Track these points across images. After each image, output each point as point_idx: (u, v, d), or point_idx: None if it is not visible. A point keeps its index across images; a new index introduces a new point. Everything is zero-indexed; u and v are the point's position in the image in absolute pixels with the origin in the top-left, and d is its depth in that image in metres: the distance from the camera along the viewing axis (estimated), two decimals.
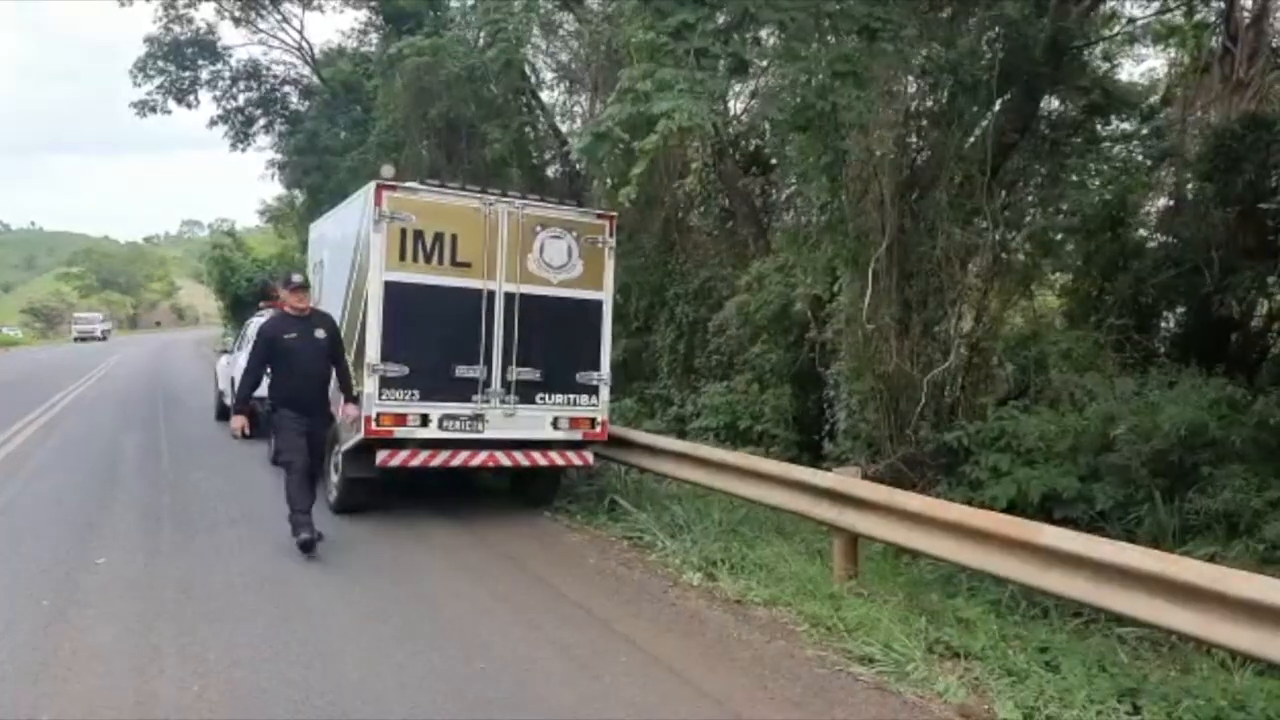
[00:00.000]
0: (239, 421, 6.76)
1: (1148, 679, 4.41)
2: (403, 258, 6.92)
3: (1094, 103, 10.72)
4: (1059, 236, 10.25)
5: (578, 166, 17.06)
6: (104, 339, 62.83)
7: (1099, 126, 11.49)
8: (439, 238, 7.05)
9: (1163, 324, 10.06)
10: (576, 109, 19.07)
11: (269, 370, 6.54)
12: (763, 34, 8.03)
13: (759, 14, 6.96)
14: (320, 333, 6.51)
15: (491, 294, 7.24)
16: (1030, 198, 10.99)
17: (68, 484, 8.65)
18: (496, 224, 7.28)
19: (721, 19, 7.18)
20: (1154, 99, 13.58)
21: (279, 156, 24.24)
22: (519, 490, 8.46)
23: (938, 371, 8.88)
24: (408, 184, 7.12)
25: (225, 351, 15.42)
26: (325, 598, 5.33)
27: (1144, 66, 14.32)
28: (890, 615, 5.06)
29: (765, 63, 8.29)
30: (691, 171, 10.90)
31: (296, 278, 6.64)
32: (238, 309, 46.89)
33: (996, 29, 8.65)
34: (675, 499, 7.95)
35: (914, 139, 9.03)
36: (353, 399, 6.73)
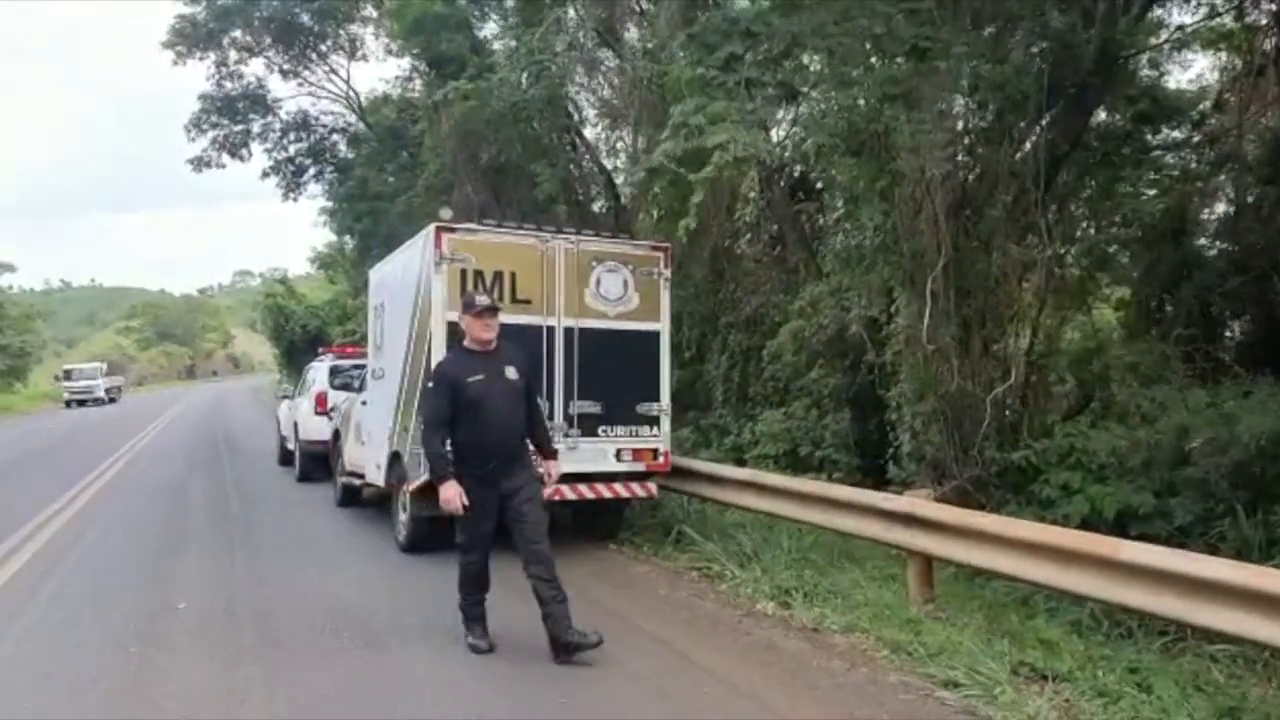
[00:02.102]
0: (452, 491, 4.79)
1: (1246, 697, 4.27)
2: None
3: (1142, 111, 10.60)
4: (1113, 249, 10.09)
5: (623, 201, 17.26)
6: (112, 400, 47.30)
7: (1149, 135, 11.34)
8: (498, 276, 7.17)
9: (1227, 333, 9.83)
10: (619, 144, 19.32)
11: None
12: (805, 59, 8.05)
13: (806, 41, 7.01)
14: (512, 372, 4.99)
15: (551, 329, 7.33)
16: (1083, 211, 10.87)
17: (141, 532, 8.89)
18: (554, 260, 7.38)
19: (766, 48, 7.25)
20: (1204, 105, 13.37)
21: (329, 204, 24.85)
22: (582, 524, 8.49)
23: (1000, 390, 8.76)
24: (466, 225, 7.27)
25: (286, 397, 15.73)
26: (404, 639, 5.38)
27: (1192, 72, 14.07)
28: (971, 638, 4.97)
29: (809, 89, 8.30)
30: (747, 200, 10.93)
31: (481, 299, 5.10)
32: (292, 355, 48.03)
33: (1044, 43, 8.59)
34: (740, 527, 7.90)
35: (965, 157, 8.97)
36: (553, 453, 5.36)
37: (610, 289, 7.55)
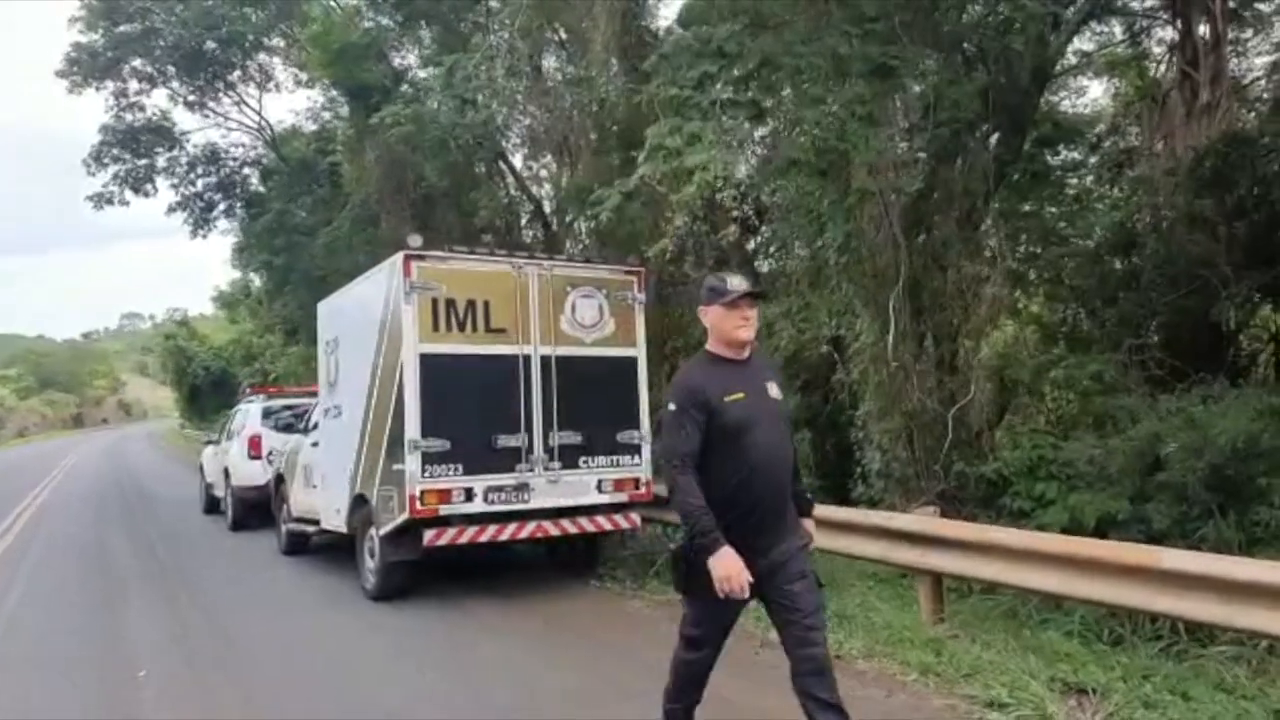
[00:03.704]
0: (734, 564, 3.16)
1: None
2: (436, 328, 6.73)
3: (1043, 135, 11.04)
4: (1067, 262, 10.42)
5: (553, 229, 17.10)
6: None
7: (1049, 157, 11.83)
8: (471, 305, 6.88)
9: (1173, 342, 10.21)
10: (543, 173, 19.16)
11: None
12: (774, 79, 8.06)
13: (777, 60, 6.98)
14: (775, 389, 3.48)
15: (528, 358, 7.06)
16: (1020, 225, 11.21)
17: (69, 594, 8.19)
18: (527, 287, 7.14)
19: (736, 69, 7.22)
20: (1100, 128, 14.05)
21: (242, 240, 23.88)
22: (557, 559, 8.19)
23: (962, 404, 8.86)
24: (435, 252, 6.97)
25: (211, 442, 14.90)
26: (403, 694, 5.02)
27: (1087, 98, 14.85)
28: (999, 655, 4.91)
29: (778, 108, 8.32)
30: (694, 221, 10.88)
31: (735, 282, 3.39)
32: (195, 398, 46.09)
33: (992, 64, 8.83)
34: None
35: (919, 175, 9.12)
36: (810, 505, 3.80)
37: (585, 315, 7.35)
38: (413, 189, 16.12)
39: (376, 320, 7.23)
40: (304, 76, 22.23)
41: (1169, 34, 12.57)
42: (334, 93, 20.52)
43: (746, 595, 3.27)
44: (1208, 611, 4.17)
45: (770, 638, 5.59)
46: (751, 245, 13.79)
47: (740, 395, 3.30)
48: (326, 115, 22.43)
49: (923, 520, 5.55)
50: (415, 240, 6.89)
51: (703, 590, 3.25)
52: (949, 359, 9.29)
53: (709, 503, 3.21)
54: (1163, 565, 4.30)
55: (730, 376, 3.35)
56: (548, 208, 17.82)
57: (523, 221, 18.04)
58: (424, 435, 6.58)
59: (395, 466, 6.72)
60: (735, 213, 13.85)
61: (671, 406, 3.36)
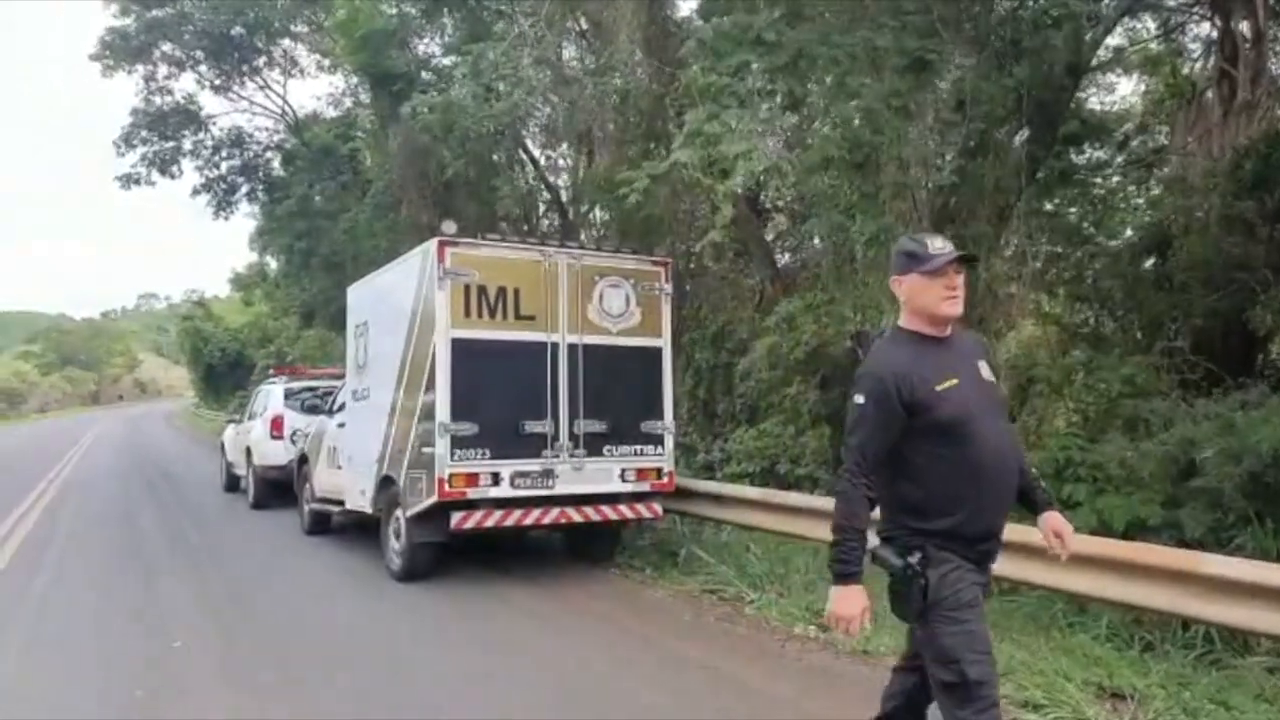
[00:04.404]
0: (857, 605, 2.71)
1: None
2: (467, 314, 6.74)
3: (1068, 132, 10.91)
4: (1095, 264, 10.31)
5: (570, 216, 17.11)
6: None
7: (1073, 156, 11.69)
8: (502, 292, 6.87)
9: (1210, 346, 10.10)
10: (560, 162, 19.16)
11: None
12: (810, 71, 7.99)
13: (813, 51, 6.92)
14: (986, 369, 2.90)
15: (555, 346, 7.05)
16: (1044, 225, 11.11)
17: (101, 567, 8.24)
18: (556, 275, 7.12)
19: (774, 58, 7.15)
20: (1127, 126, 13.88)
21: (264, 223, 23.99)
22: (576, 547, 8.19)
23: None
24: (468, 239, 6.96)
25: (233, 421, 14.97)
26: (436, 673, 5.03)
27: (1115, 95, 14.65)
28: (1029, 656, 4.87)
29: (813, 101, 8.26)
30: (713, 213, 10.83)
31: (938, 244, 2.78)
32: (211, 379, 46.38)
33: (1028, 57, 8.73)
34: (743, 548, 7.71)
35: (951, 170, 9.04)
36: (1048, 501, 3.01)
37: (613, 304, 7.32)
38: (434, 176, 16.10)
39: (408, 305, 7.23)
40: (327, 62, 22.32)
41: (1205, 30, 12.43)
42: (355, 79, 20.60)
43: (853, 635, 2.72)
44: (1262, 620, 4.09)
45: (794, 633, 5.62)
46: (771, 236, 13.71)
47: (954, 381, 2.70)
48: (348, 102, 22.51)
49: None
50: (449, 227, 6.89)
51: (950, 604, 2.63)
52: None
53: (933, 510, 2.69)
54: (1205, 570, 4.25)
55: (938, 359, 2.74)
56: (564, 197, 17.84)
57: (540, 210, 18.06)
58: (454, 419, 6.58)
59: (425, 449, 6.72)
60: (776, 203, 13.86)
61: (861, 399, 2.72)
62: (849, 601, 2.68)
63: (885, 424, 2.68)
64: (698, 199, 11.42)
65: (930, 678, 2.75)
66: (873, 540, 2.81)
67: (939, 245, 2.76)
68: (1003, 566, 5.15)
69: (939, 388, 2.67)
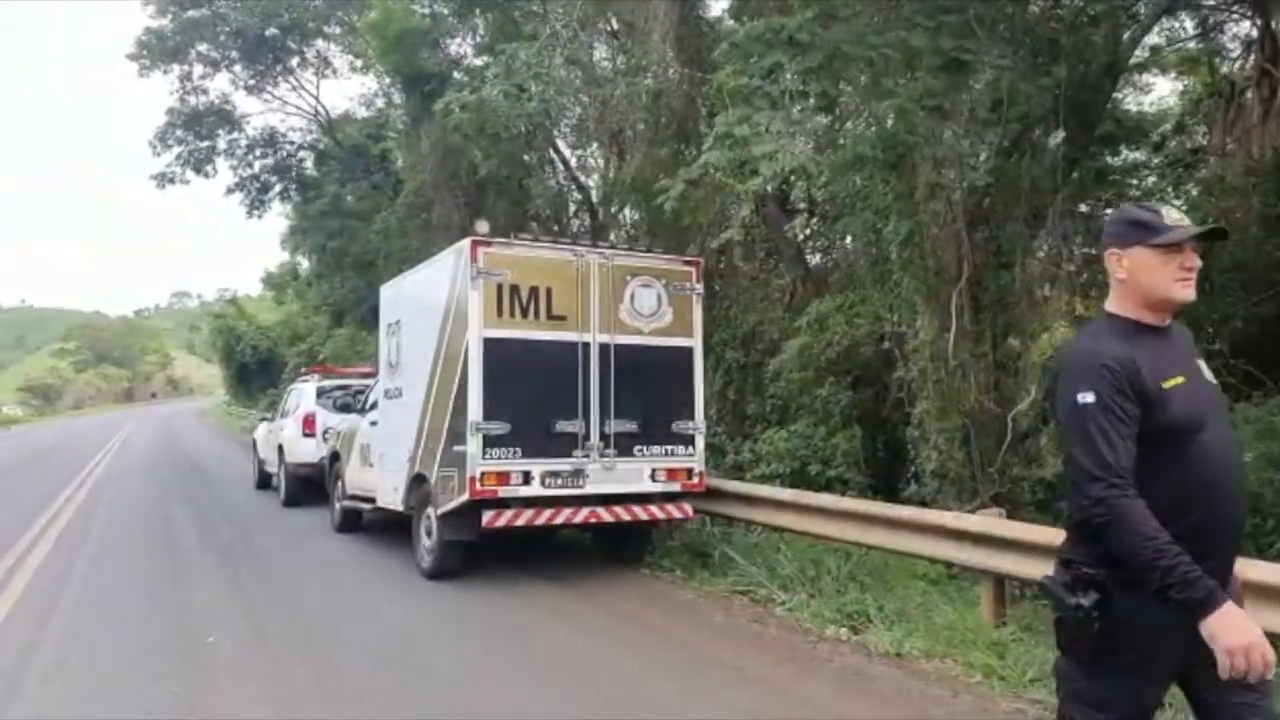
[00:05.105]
0: (1249, 630, 1.96)
1: None
2: (500, 313, 6.77)
3: (1103, 133, 10.76)
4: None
5: (599, 217, 17.14)
6: None
7: (1109, 157, 11.53)
8: (534, 292, 6.91)
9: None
10: (590, 162, 19.22)
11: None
12: (844, 71, 7.96)
13: (847, 51, 6.89)
14: (1206, 369, 2.38)
15: (587, 346, 7.07)
16: (1077, 227, 10.97)
17: (137, 562, 8.36)
18: (588, 275, 7.14)
19: (807, 59, 7.12)
20: (1164, 127, 13.68)
21: (296, 222, 24.27)
22: (605, 547, 8.20)
23: (1022, 406, 8.70)
24: (501, 239, 7.01)
25: (265, 419, 15.15)
26: (467, 670, 5.06)
27: (1152, 96, 14.42)
28: None
29: (848, 102, 8.23)
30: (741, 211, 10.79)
31: (1175, 216, 2.30)
32: (243, 377, 46.91)
33: (1066, 57, 8.63)
34: (774, 549, 7.69)
35: (986, 170, 8.96)
36: None
37: (644, 304, 7.33)
38: (466, 176, 16.20)
39: (441, 304, 7.28)
40: (359, 63, 22.54)
41: (1244, 29, 12.23)
42: (388, 79, 20.78)
43: (1268, 674, 1.99)
44: None
45: (826, 635, 5.60)
46: (801, 237, 13.65)
47: (1180, 379, 2.20)
48: (380, 102, 22.72)
49: (993, 523, 5.45)
50: (482, 227, 6.94)
51: (1122, 662, 2.14)
52: (1013, 359, 9.12)
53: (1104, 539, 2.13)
54: (1245, 577, 4.16)
55: (1160, 352, 2.24)
56: (595, 197, 17.88)
57: (570, 210, 18.10)
58: (486, 418, 6.62)
59: (456, 448, 6.77)
60: (809, 204, 13.80)
61: (1084, 397, 2.15)
62: (1241, 626, 1.97)
63: (1124, 416, 2.12)
64: (728, 199, 11.39)
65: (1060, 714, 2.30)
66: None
67: (1177, 217, 2.30)
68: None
69: (1165, 385, 2.17)
